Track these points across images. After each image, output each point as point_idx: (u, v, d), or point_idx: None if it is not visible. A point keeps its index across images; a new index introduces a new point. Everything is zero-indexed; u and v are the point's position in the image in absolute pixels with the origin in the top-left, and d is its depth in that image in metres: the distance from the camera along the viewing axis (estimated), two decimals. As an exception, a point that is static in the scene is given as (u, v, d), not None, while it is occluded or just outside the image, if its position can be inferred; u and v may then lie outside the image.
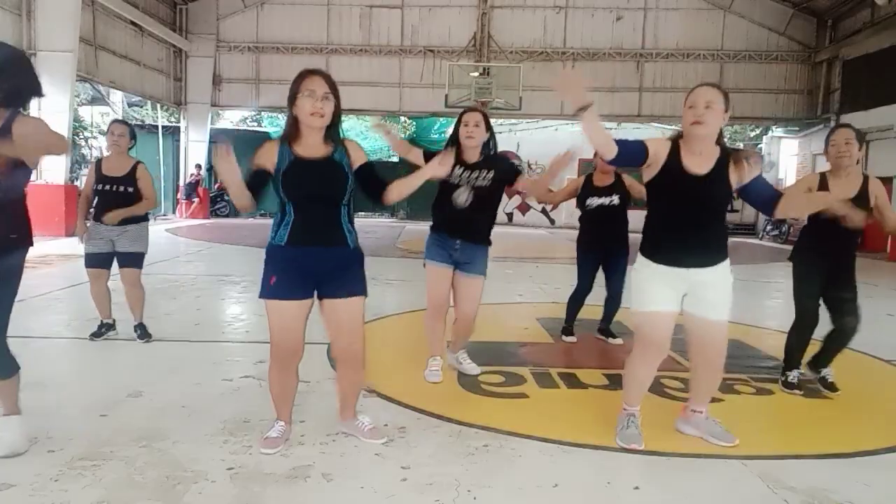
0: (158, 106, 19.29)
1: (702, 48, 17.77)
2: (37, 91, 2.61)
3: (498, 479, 2.61)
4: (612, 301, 4.95)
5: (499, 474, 2.65)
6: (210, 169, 19.93)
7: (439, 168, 2.80)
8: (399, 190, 2.76)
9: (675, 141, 2.87)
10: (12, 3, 11.92)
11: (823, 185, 3.71)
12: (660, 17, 17.92)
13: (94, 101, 22.30)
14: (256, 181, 2.66)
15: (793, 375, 3.89)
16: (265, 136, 20.90)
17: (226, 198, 20.29)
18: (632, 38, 17.99)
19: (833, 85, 16.96)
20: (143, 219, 4.59)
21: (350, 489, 2.48)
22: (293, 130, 2.68)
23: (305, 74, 2.65)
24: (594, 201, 4.74)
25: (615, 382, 3.95)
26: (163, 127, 19.24)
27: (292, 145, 2.67)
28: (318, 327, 2.88)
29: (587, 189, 4.81)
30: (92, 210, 4.51)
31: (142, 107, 22.25)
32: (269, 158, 2.67)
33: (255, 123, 25.77)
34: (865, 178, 3.70)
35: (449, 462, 2.74)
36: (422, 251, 3.79)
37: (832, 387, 3.82)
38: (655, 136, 18.36)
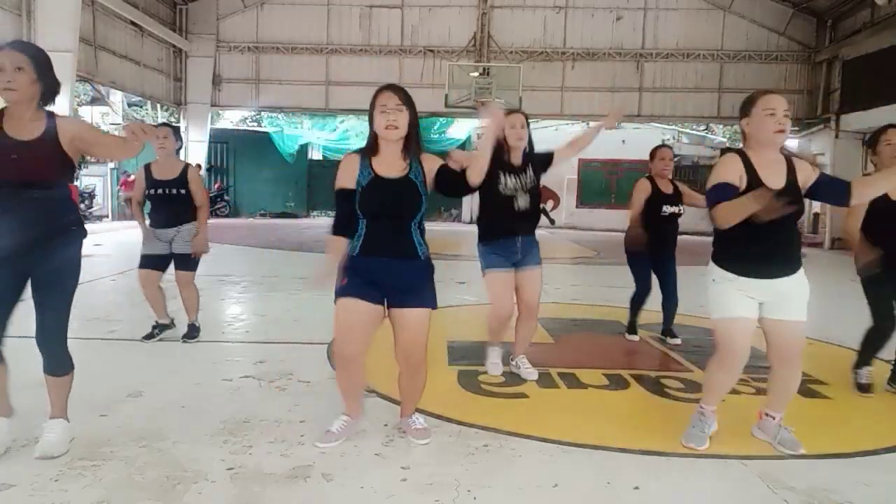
0: (158, 106, 19.30)
1: (702, 48, 17.76)
2: (60, 88, 2.69)
3: (498, 479, 2.61)
4: (670, 303, 4.93)
5: (499, 474, 2.65)
6: (210, 169, 19.97)
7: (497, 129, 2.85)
8: (476, 169, 2.75)
9: (743, 154, 2.83)
10: (12, 3, 11.92)
11: None
12: (660, 17, 17.91)
13: (94, 101, 22.30)
14: (346, 206, 2.77)
15: (863, 375, 3.88)
16: (265, 136, 21.00)
17: (226, 198, 20.35)
18: (632, 38, 17.98)
19: (833, 85, 16.94)
20: (195, 217, 4.62)
21: (350, 489, 2.48)
22: (373, 145, 2.77)
23: (378, 91, 2.74)
24: (668, 209, 4.71)
25: (615, 382, 3.95)
26: (163, 127, 19.22)
27: (371, 160, 2.75)
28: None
29: (658, 196, 4.75)
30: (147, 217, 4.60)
31: (142, 107, 22.25)
32: (350, 176, 2.76)
33: (255, 123, 25.77)
34: None
35: (449, 462, 2.74)
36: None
37: None
38: (656, 137, 18.17)
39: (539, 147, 3.94)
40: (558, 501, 2.48)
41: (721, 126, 24.19)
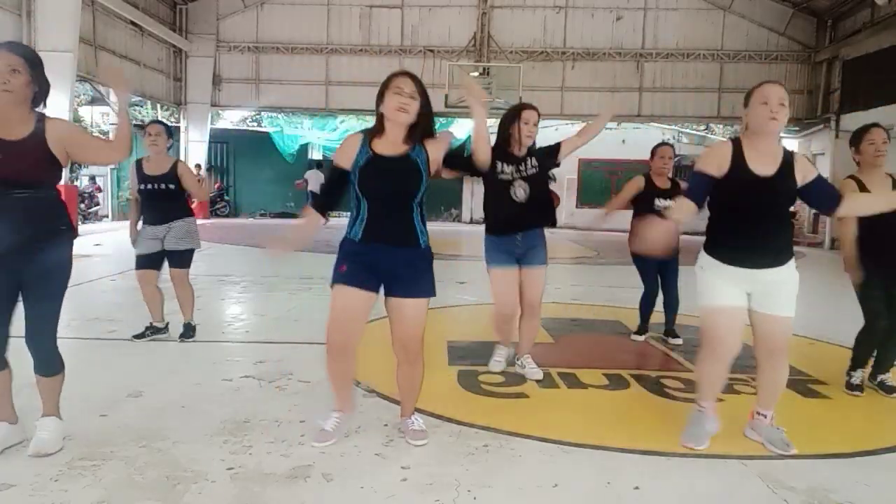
0: (158, 106, 19.29)
1: (702, 48, 17.75)
2: (50, 90, 2.69)
3: (498, 479, 2.61)
4: (672, 302, 4.94)
5: (499, 474, 2.65)
6: (210, 169, 19.95)
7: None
8: (478, 146, 2.78)
9: (737, 142, 2.87)
10: (12, 3, 11.91)
11: (862, 188, 3.68)
12: (660, 17, 17.89)
13: (94, 101, 22.28)
14: (335, 184, 2.80)
15: (857, 377, 3.88)
16: (265, 136, 20.99)
17: (226, 198, 20.33)
18: (632, 38, 17.97)
19: (833, 85, 16.93)
20: (188, 214, 4.65)
21: (350, 489, 2.48)
22: (378, 126, 2.76)
23: (395, 74, 2.75)
24: (663, 202, 4.63)
25: (615, 382, 3.95)
26: (163, 127, 19.20)
27: (373, 141, 2.74)
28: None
29: (651, 190, 4.75)
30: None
31: (142, 107, 22.22)
32: (348, 155, 2.75)
33: (255, 123, 25.75)
34: (890, 175, 3.73)
35: (449, 462, 2.74)
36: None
37: (891, 390, 3.84)
38: (656, 137, 18.20)
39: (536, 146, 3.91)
40: (558, 501, 2.48)
41: (721, 126, 24.16)
